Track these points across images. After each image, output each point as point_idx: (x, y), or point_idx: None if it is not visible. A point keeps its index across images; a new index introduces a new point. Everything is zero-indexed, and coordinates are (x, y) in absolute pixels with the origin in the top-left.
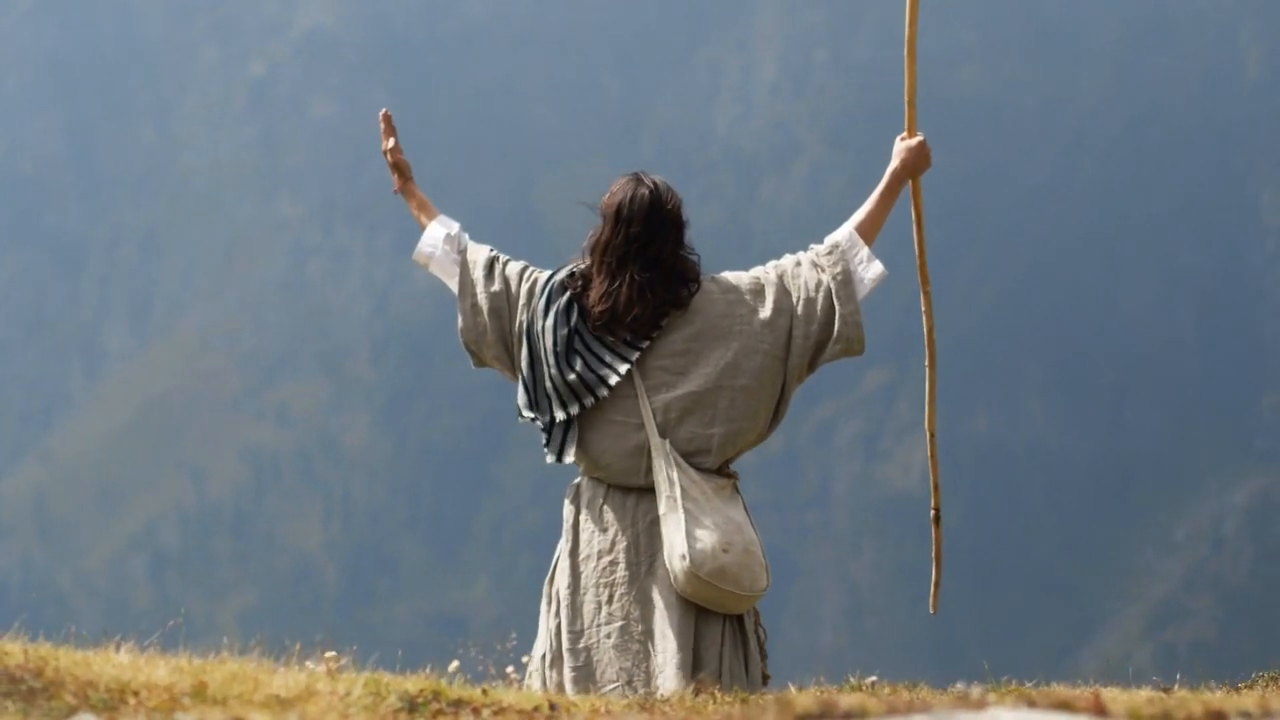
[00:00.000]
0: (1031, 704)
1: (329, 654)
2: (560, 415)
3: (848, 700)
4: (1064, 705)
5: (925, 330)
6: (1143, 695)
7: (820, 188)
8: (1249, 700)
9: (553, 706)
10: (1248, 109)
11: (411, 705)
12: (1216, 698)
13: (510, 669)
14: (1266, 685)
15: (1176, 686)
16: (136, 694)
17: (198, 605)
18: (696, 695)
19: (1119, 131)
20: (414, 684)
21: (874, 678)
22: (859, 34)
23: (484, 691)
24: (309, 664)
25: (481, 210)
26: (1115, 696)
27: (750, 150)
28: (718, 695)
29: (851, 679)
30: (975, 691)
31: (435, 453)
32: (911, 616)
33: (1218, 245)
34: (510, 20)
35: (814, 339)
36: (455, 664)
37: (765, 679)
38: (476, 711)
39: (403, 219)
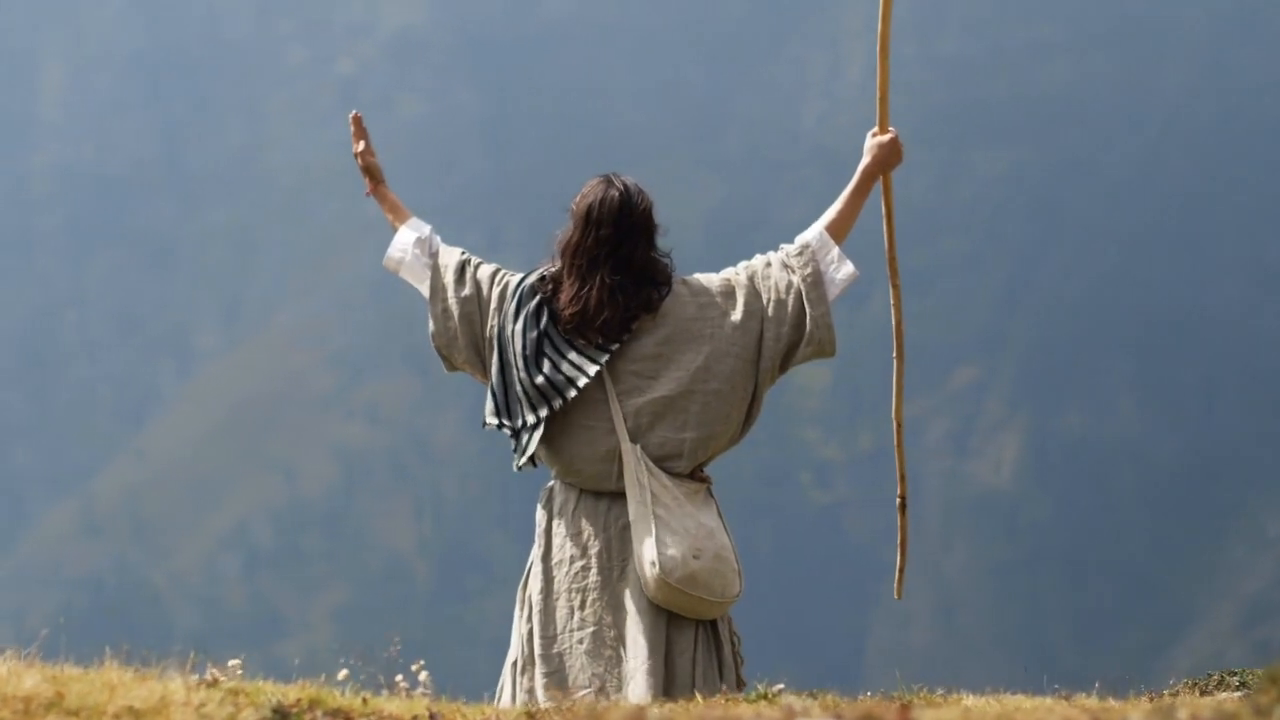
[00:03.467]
0: (839, 716)
1: (232, 661)
2: (531, 419)
3: (655, 712)
4: (869, 717)
5: (894, 324)
6: (974, 704)
7: (908, 184)
8: (1084, 709)
9: (432, 716)
10: None
11: (283, 715)
12: (1061, 706)
13: (400, 678)
14: (1189, 689)
15: (1091, 694)
16: None
17: (290, 603)
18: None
19: (1207, 125)
20: (295, 693)
21: (781, 685)
22: (946, 29)
23: (364, 701)
24: (214, 672)
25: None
26: (928, 706)
27: (837, 147)
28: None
29: (759, 686)
30: (798, 702)
31: None
32: (1003, 615)
33: None
34: (596, 18)
35: (785, 341)
36: (345, 673)
37: (741, 684)
38: None
39: (492, 217)
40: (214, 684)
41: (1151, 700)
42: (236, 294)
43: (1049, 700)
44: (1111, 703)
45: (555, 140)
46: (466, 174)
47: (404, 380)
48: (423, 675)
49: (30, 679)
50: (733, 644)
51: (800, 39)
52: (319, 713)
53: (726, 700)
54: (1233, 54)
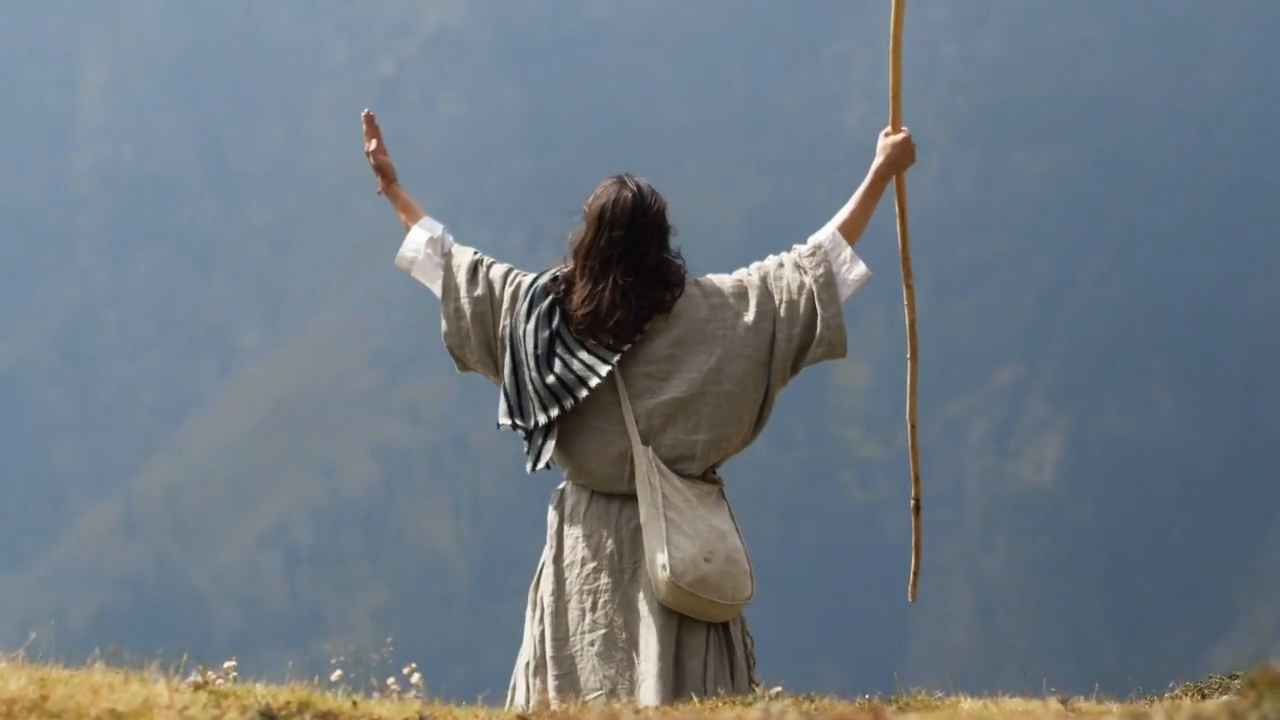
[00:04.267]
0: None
1: (228, 663)
2: (542, 419)
3: (630, 715)
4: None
5: (907, 324)
6: (970, 707)
7: (950, 184)
8: (1074, 711)
9: (422, 719)
10: None
11: (270, 717)
12: (1039, 707)
13: (391, 680)
14: (1186, 694)
15: (1090, 698)
16: None
17: (330, 602)
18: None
19: (1248, 124)
20: (285, 695)
21: (779, 688)
22: (986, 28)
23: (354, 704)
24: (204, 674)
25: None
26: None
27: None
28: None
29: (758, 688)
30: (778, 708)
31: None
32: (1044, 615)
33: None
34: (637, 18)
35: (796, 342)
36: (338, 674)
37: (753, 686)
38: None
39: (532, 217)
40: (201, 686)
41: (1152, 704)
42: (277, 293)
43: (1037, 703)
44: (1109, 705)
45: (596, 140)
46: (506, 173)
47: (444, 380)
48: (415, 678)
49: (16, 681)
50: (745, 646)
51: (842, 38)
52: (308, 715)
53: (722, 703)
54: (1273, 53)
